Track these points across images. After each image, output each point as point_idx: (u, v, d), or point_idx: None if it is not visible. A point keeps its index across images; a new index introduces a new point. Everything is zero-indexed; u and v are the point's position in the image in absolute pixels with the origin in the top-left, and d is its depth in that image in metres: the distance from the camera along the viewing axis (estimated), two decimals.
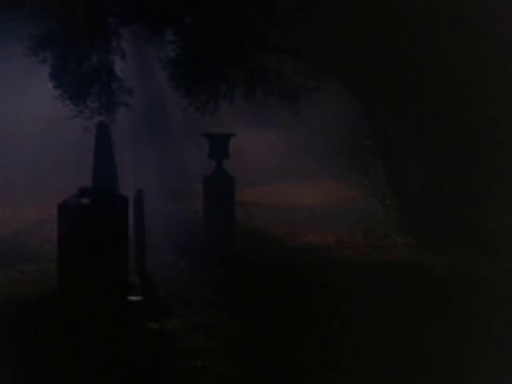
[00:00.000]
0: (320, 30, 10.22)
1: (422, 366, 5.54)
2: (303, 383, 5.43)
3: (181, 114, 11.67)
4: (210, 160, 10.92)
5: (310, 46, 10.66)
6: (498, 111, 10.03)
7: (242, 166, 13.80)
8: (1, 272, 9.02)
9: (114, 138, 11.07)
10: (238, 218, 10.89)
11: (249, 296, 7.81)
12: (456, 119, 10.29)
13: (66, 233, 7.27)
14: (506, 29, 9.48)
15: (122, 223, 7.54)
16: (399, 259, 9.51)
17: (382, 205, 11.35)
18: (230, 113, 12.74)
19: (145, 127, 17.70)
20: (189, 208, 13.63)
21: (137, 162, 16.50)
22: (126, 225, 7.65)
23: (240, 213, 11.25)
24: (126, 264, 7.61)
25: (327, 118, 16.23)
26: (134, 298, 7.59)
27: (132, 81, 11.40)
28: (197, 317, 6.97)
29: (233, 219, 10.65)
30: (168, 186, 15.97)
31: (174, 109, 14.64)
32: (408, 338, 6.15)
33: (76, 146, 14.95)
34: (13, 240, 11.38)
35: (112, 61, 10.74)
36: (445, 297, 7.43)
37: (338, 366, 5.65)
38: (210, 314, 7.06)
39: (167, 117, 17.65)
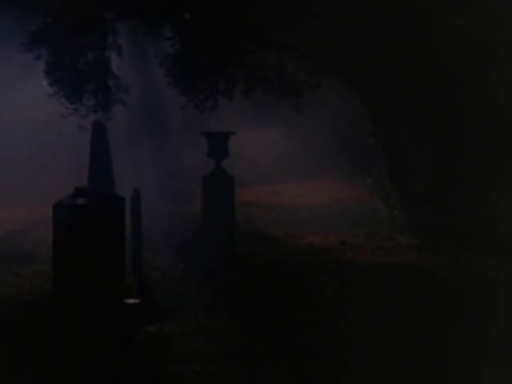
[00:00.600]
0: (321, 27, 10.22)
1: (426, 369, 5.55)
2: None
3: (179, 111, 11.65)
4: (208, 159, 10.93)
5: (311, 44, 10.65)
6: (505, 110, 10.04)
7: (242, 166, 13.82)
8: None
9: (111, 136, 11.08)
10: (237, 218, 10.88)
11: (249, 298, 7.80)
12: (462, 118, 10.30)
13: (62, 234, 7.28)
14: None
15: (119, 224, 7.55)
16: (403, 261, 9.50)
17: (386, 205, 11.35)
18: (231, 111, 12.74)
19: (142, 125, 17.69)
20: (187, 208, 13.63)
21: (134, 161, 16.51)
22: (123, 225, 7.65)
23: (240, 213, 11.25)
24: (122, 265, 7.61)
25: (329, 116, 16.22)
26: (131, 300, 7.58)
27: (129, 78, 11.39)
28: (196, 320, 6.96)
29: (232, 220, 10.64)
30: (166, 185, 15.98)
31: (172, 106, 14.62)
32: (412, 341, 6.15)
33: (72, 144, 14.94)
34: (7, 241, 11.38)
35: (108, 57, 10.72)
36: (450, 299, 7.43)
37: (340, 368, 5.66)
38: (209, 317, 7.05)
39: (165, 115, 17.65)
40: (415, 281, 8.35)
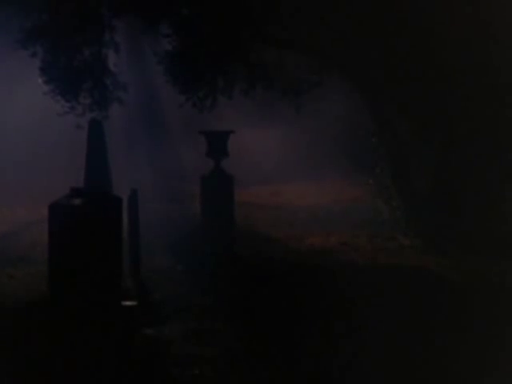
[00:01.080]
0: (323, 24, 10.23)
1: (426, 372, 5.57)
2: None
3: (178, 110, 11.64)
4: (208, 159, 10.92)
5: (313, 41, 10.65)
6: (509, 108, 10.06)
7: (242, 165, 13.82)
8: None
9: (108, 135, 11.08)
10: (237, 219, 10.89)
11: (249, 301, 7.80)
12: (467, 117, 10.30)
13: (57, 235, 7.28)
14: None
15: (116, 225, 7.55)
16: (405, 263, 9.51)
17: (388, 206, 11.35)
18: (231, 109, 12.75)
19: (140, 124, 17.70)
20: (186, 209, 13.64)
21: (131, 160, 16.52)
22: (120, 226, 7.65)
23: (240, 214, 11.24)
24: (119, 267, 7.62)
25: (331, 115, 16.23)
26: (128, 302, 7.58)
27: (126, 75, 11.38)
28: (194, 323, 6.97)
29: (232, 220, 10.63)
30: (164, 185, 15.98)
31: (170, 105, 14.63)
32: (411, 342, 6.17)
33: (68, 144, 14.95)
34: (2, 242, 11.37)
35: (105, 54, 10.72)
36: (453, 302, 7.44)
37: (340, 370, 5.66)
38: (208, 320, 7.06)
39: (163, 113, 17.66)
40: (416, 282, 8.36)
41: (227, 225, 10.49)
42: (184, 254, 10.11)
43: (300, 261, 9.74)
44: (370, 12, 9.91)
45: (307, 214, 13.51)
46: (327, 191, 15.28)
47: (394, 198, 11.21)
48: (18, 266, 9.62)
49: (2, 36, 10.47)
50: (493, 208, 10.28)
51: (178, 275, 9.06)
